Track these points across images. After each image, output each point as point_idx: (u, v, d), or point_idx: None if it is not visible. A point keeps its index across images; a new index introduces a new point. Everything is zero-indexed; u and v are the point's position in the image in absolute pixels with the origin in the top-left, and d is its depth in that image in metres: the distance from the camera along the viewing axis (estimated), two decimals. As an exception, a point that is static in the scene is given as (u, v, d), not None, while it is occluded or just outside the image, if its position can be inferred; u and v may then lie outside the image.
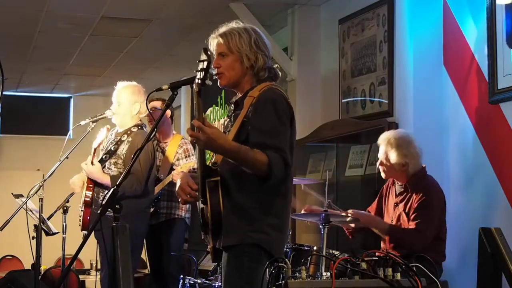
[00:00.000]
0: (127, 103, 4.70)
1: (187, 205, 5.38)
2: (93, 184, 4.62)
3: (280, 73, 3.07)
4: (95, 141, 4.62)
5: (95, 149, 4.59)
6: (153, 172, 4.68)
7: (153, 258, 5.42)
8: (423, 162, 4.26)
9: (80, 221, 4.60)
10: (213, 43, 3.00)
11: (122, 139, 4.66)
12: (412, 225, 4.01)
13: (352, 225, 4.23)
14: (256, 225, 2.83)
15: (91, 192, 4.60)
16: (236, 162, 2.74)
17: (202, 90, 2.74)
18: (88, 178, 4.62)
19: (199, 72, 2.70)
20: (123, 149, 4.62)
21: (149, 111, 4.42)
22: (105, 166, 4.64)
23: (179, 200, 2.99)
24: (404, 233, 4.03)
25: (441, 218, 4.11)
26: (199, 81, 2.69)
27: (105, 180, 4.54)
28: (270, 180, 2.74)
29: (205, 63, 2.68)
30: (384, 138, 4.20)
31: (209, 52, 2.71)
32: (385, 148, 4.16)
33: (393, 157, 4.11)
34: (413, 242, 3.96)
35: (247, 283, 2.82)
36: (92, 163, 4.56)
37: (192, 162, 5.13)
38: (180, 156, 5.32)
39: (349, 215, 4.06)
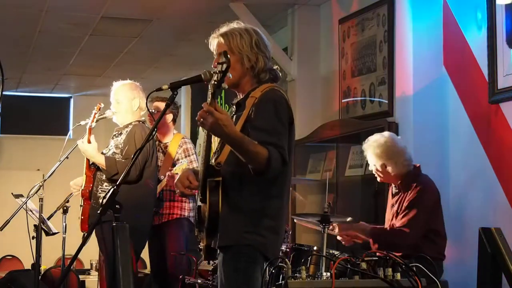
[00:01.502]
0: (126, 100, 4.71)
1: (191, 205, 5.36)
2: (92, 175, 4.59)
3: (280, 74, 3.07)
4: (88, 121, 4.61)
5: (89, 128, 4.56)
6: (152, 164, 4.66)
7: (154, 258, 5.42)
8: (420, 162, 4.27)
9: (79, 218, 4.58)
10: (214, 42, 3.00)
11: (122, 132, 4.67)
12: (397, 223, 4.07)
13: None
14: (252, 227, 2.84)
15: (89, 184, 4.58)
16: (238, 152, 2.73)
17: (216, 92, 2.73)
18: (86, 168, 4.60)
19: (217, 74, 2.68)
20: (121, 139, 4.62)
21: (149, 111, 4.42)
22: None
23: (176, 192, 2.98)
24: (386, 234, 4.08)
25: (432, 216, 4.11)
26: (215, 83, 2.68)
27: (100, 159, 4.51)
28: (266, 174, 2.75)
29: (224, 66, 2.65)
30: (364, 144, 4.31)
31: (229, 56, 2.68)
32: (366, 154, 4.30)
33: (371, 160, 4.25)
34: (396, 242, 3.99)
35: (244, 283, 2.83)
36: (88, 141, 4.54)
37: (185, 164, 5.10)
38: (180, 156, 5.32)
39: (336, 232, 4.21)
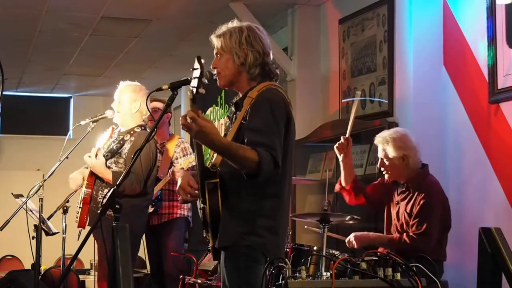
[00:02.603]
0: (127, 100, 4.71)
1: (189, 204, 5.38)
2: (93, 182, 4.62)
3: (277, 70, 3.06)
4: (99, 140, 4.63)
5: (98, 148, 4.60)
6: (153, 173, 4.68)
7: (153, 258, 5.42)
8: (423, 161, 4.26)
9: (77, 217, 4.59)
10: (213, 43, 3.05)
11: (125, 138, 4.66)
12: (413, 228, 4.01)
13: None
14: (250, 227, 2.85)
15: (90, 190, 4.60)
16: (226, 158, 2.76)
17: (196, 98, 2.75)
18: (88, 175, 4.61)
19: (193, 80, 2.72)
20: (125, 148, 4.62)
21: (149, 111, 4.42)
22: (106, 164, 4.64)
23: (179, 199, 3.00)
24: (404, 243, 4.00)
25: (443, 220, 4.10)
26: (193, 89, 2.71)
27: (107, 175, 4.54)
28: (257, 178, 2.75)
29: (197, 71, 2.70)
30: (380, 137, 4.24)
31: (202, 61, 2.74)
32: (382, 146, 4.21)
33: (391, 151, 4.15)
34: (416, 248, 3.92)
35: (245, 283, 2.83)
36: (96, 156, 4.56)
37: (192, 157, 5.13)
38: (179, 155, 5.35)
39: (352, 242, 4.19)
